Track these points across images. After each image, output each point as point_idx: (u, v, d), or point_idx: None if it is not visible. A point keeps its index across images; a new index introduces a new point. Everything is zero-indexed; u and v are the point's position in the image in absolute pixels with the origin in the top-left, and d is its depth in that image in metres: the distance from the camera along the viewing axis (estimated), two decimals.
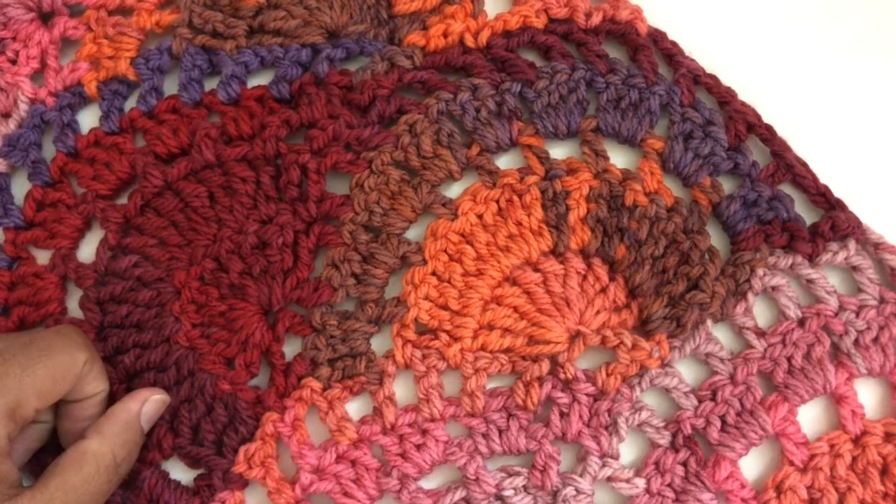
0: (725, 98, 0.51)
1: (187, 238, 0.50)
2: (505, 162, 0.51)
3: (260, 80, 0.53)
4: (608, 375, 0.46)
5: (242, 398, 0.47)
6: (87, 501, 0.42)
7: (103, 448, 0.44)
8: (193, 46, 0.54)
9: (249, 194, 0.50)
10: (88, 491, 0.42)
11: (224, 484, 0.45)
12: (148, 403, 0.46)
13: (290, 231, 0.49)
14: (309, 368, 0.47)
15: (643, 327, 0.47)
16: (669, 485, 0.45)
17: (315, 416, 0.47)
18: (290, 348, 0.48)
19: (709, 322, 0.47)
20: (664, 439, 0.45)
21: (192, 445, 0.46)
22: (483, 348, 0.47)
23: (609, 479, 0.45)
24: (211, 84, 0.54)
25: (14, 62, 0.55)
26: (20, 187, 0.53)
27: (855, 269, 0.47)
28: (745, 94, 0.51)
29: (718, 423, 0.45)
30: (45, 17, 0.56)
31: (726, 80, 0.51)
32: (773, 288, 0.47)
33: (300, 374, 0.47)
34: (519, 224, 0.49)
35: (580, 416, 0.45)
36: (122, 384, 0.48)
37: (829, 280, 0.47)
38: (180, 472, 0.47)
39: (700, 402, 0.46)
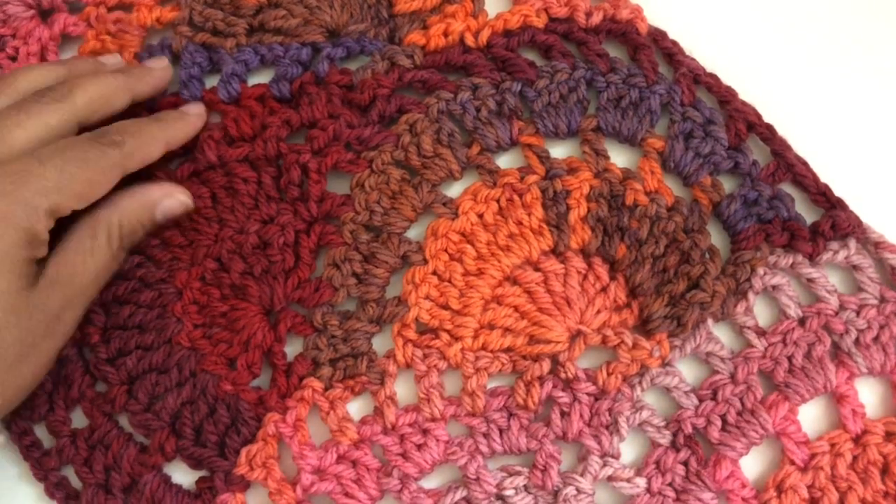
0: (726, 97, 0.51)
1: (189, 238, 0.50)
2: (505, 161, 0.51)
3: (260, 78, 0.53)
4: (609, 375, 0.46)
5: (244, 399, 0.47)
6: (89, 283, 0.45)
7: (113, 217, 0.45)
8: (193, 44, 0.54)
9: (251, 194, 0.50)
10: (88, 270, 0.44)
11: (226, 486, 0.45)
12: (169, 198, 0.47)
13: (291, 231, 0.49)
14: (310, 368, 0.47)
15: (644, 327, 0.47)
16: (670, 484, 0.45)
17: (316, 417, 0.47)
18: (292, 348, 0.48)
19: (709, 321, 0.47)
20: (665, 439, 0.45)
21: (195, 447, 0.46)
22: (484, 348, 0.47)
23: (610, 478, 0.45)
24: (211, 82, 0.54)
25: (14, 59, 0.55)
26: None
27: (855, 268, 0.47)
28: (746, 94, 0.51)
29: (719, 423, 0.45)
30: (45, 14, 0.56)
31: (726, 79, 0.51)
32: (774, 287, 0.47)
33: (302, 374, 0.47)
34: (519, 223, 0.49)
35: (581, 416, 0.46)
36: (123, 386, 0.47)
37: (830, 279, 0.47)
38: (181, 476, 0.47)
39: (701, 401, 0.46)
